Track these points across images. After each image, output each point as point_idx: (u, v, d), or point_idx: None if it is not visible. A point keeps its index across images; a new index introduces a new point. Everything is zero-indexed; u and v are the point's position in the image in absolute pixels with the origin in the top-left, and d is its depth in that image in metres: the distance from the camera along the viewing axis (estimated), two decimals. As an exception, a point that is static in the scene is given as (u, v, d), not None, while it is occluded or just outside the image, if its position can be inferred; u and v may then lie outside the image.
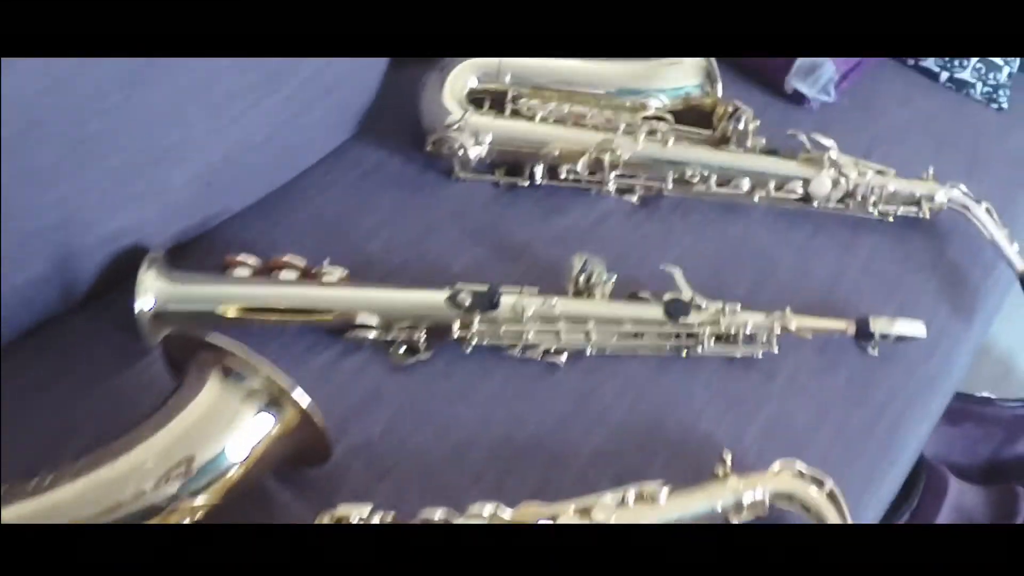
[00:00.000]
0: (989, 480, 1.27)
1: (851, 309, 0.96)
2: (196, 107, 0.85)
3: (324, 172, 1.03)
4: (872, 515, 0.91)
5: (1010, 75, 1.27)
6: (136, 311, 0.83)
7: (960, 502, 1.22)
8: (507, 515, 0.73)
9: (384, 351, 0.89)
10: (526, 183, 1.04)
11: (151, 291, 0.84)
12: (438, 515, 0.73)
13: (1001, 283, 1.07)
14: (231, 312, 0.86)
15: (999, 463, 1.32)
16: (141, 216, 0.87)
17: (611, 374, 0.90)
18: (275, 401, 0.74)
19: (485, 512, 0.73)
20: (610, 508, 0.75)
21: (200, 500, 0.71)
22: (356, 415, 0.85)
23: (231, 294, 0.87)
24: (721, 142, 1.05)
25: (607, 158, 1.01)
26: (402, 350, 0.89)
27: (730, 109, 1.05)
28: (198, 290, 0.87)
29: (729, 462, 0.78)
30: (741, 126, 1.04)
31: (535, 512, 0.74)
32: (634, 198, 1.04)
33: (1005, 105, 1.27)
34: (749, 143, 1.05)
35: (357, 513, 0.72)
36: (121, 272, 0.86)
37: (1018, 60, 1.28)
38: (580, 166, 1.01)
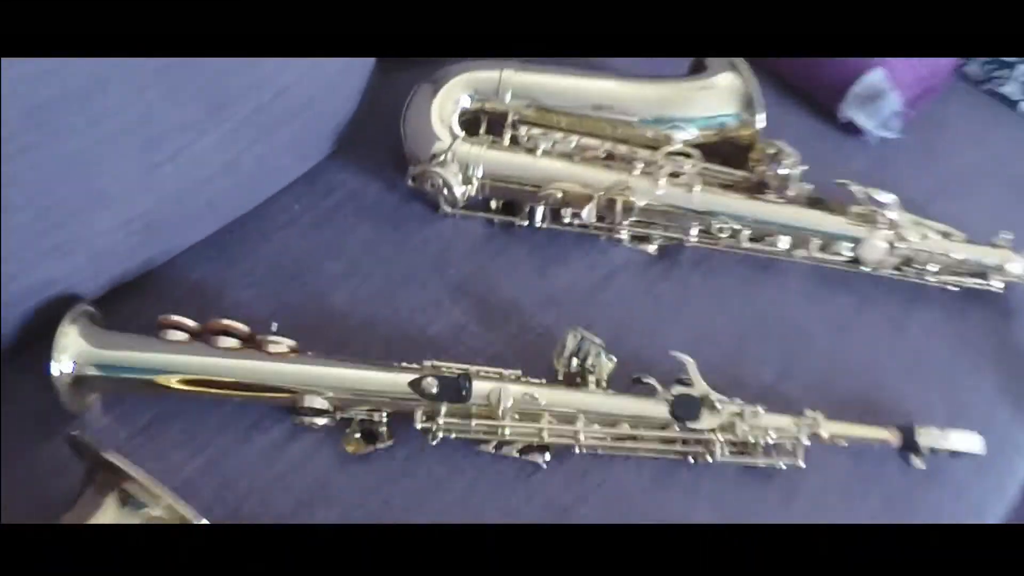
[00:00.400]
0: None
1: (896, 406, 0.82)
2: (123, 148, 0.71)
3: (291, 200, 0.88)
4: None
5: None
6: (53, 374, 0.71)
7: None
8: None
9: (339, 433, 0.76)
10: (524, 222, 0.88)
11: (70, 353, 0.72)
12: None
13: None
14: (160, 381, 0.74)
15: None
16: (69, 265, 0.75)
17: (600, 481, 0.77)
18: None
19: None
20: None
21: None
22: (297, 513, 0.73)
23: (160, 362, 0.74)
24: (757, 189, 0.89)
25: (619, 203, 0.85)
26: (357, 435, 0.76)
27: (771, 151, 0.88)
28: (124, 355, 0.74)
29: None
30: (783, 171, 0.87)
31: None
32: (651, 248, 0.89)
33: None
34: (791, 191, 0.88)
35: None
36: (52, 324, 0.73)
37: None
38: (585, 214, 0.85)
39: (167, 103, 0.71)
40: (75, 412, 0.74)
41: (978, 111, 1.10)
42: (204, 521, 0.62)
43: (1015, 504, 0.88)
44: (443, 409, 0.74)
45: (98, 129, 0.68)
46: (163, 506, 0.61)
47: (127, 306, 0.80)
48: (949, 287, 0.90)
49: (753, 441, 0.76)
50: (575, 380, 0.78)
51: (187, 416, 0.75)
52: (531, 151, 0.87)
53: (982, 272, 0.89)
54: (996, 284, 0.89)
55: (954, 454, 0.79)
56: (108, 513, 0.62)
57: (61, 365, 0.71)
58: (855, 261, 0.88)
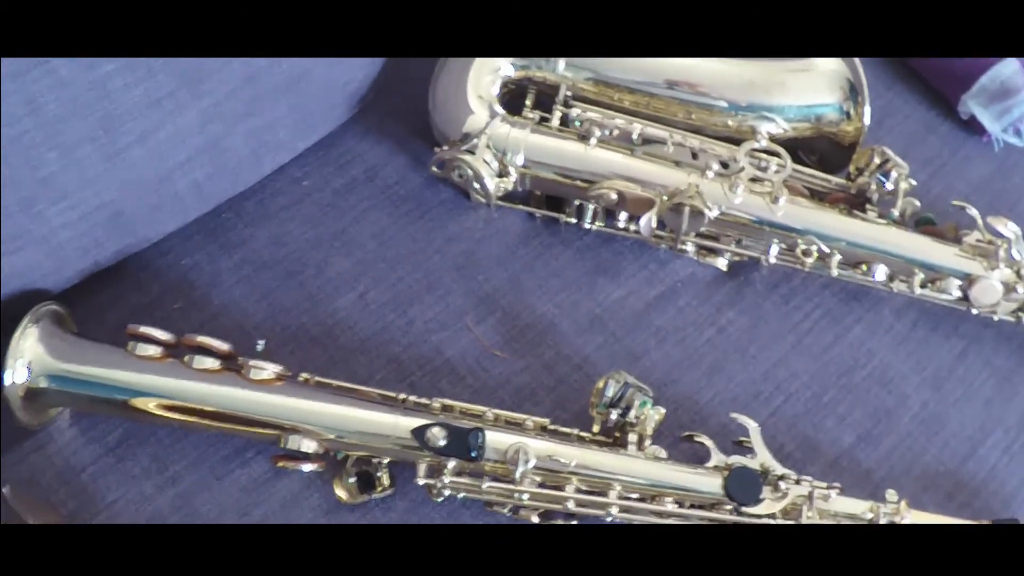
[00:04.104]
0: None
1: (997, 487, 0.70)
2: (73, 132, 0.57)
3: (297, 177, 0.75)
4: None
5: None
6: (6, 384, 0.61)
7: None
8: None
9: (331, 473, 0.64)
10: (572, 220, 0.74)
11: (26, 361, 0.62)
12: None
13: None
14: (125, 402, 0.63)
15: None
16: (23, 260, 0.63)
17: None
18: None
19: None
20: None
21: None
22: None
23: (126, 380, 0.63)
24: (856, 203, 0.74)
25: (687, 210, 0.70)
26: (352, 479, 0.64)
27: (877, 159, 0.73)
28: (86, 370, 0.63)
29: None
30: (889, 185, 0.72)
31: None
32: (721, 263, 0.74)
33: None
34: (895, 210, 0.73)
35: None
36: (14, 320, 0.62)
37: None
38: (644, 223, 0.71)
39: (128, 76, 0.57)
40: (32, 426, 0.64)
41: None
42: None
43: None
44: (451, 464, 0.62)
45: (41, 112, 0.55)
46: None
47: (101, 298, 0.69)
48: (1074, 339, 0.75)
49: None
50: (613, 434, 0.65)
51: (161, 439, 0.65)
52: (584, 138, 0.72)
53: (1116, 324, 0.74)
54: None
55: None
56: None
57: (15, 375, 0.61)
58: (964, 300, 0.73)
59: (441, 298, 0.71)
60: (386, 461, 0.64)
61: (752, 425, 0.64)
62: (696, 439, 0.65)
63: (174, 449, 0.65)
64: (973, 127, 0.84)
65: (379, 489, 0.64)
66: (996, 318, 0.73)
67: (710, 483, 0.63)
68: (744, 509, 0.62)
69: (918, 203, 0.74)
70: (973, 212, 0.72)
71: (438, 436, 0.61)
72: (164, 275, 0.71)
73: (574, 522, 0.64)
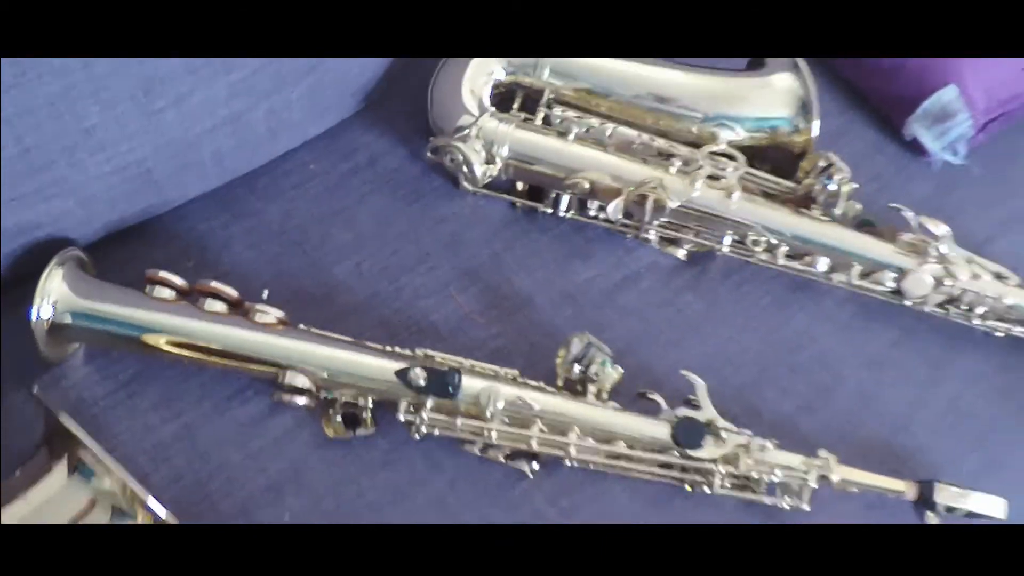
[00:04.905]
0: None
1: (922, 457, 0.77)
2: (118, 89, 0.66)
3: (306, 160, 0.84)
4: None
5: None
6: (33, 319, 0.68)
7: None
8: None
9: (320, 413, 0.71)
10: (548, 210, 0.83)
11: (53, 299, 0.69)
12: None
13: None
14: (141, 338, 0.70)
15: None
16: (57, 208, 0.71)
17: (590, 498, 0.72)
18: (126, 509, 0.58)
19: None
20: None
21: None
22: (268, 495, 0.70)
23: (143, 318, 0.70)
24: (802, 202, 0.82)
25: (650, 200, 0.79)
26: (339, 418, 0.71)
27: (822, 163, 0.81)
28: (107, 308, 0.70)
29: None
30: (832, 187, 0.81)
31: None
32: (680, 253, 0.83)
33: None
34: (838, 209, 0.81)
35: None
36: (39, 267, 0.69)
37: None
38: (612, 208, 0.79)
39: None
40: (54, 360, 0.71)
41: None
42: (152, 499, 0.59)
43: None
44: (429, 403, 0.69)
45: (92, 67, 0.63)
46: (114, 479, 0.58)
47: (122, 253, 0.77)
48: (997, 333, 0.82)
49: (757, 477, 0.70)
50: (575, 388, 0.72)
51: (169, 378, 0.72)
52: (562, 135, 0.81)
53: (1036, 320, 0.82)
54: (1049, 335, 0.82)
55: (971, 515, 0.72)
56: (55, 478, 0.59)
57: (42, 311, 0.69)
58: (897, 293, 0.81)
59: (429, 270, 0.79)
60: (371, 404, 0.71)
61: (699, 382, 0.71)
62: (649, 396, 0.73)
63: (180, 387, 0.72)
64: (916, 148, 0.92)
65: (363, 427, 0.71)
66: (927, 310, 0.81)
67: (659, 430, 0.71)
68: (688, 452, 0.70)
69: (859, 206, 0.82)
70: (908, 213, 0.81)
71: (419, 376, 0.69)
72: (180, 237, 0.79)
73: (536, 466, 0.71)
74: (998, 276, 0.81)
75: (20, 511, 0.58)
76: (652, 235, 0.82)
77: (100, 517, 0.58)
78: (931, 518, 0.73)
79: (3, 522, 0.57)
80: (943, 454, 0.77)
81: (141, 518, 0.59)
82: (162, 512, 0.58)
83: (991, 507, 0.72)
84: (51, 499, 0.59)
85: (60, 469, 0.59)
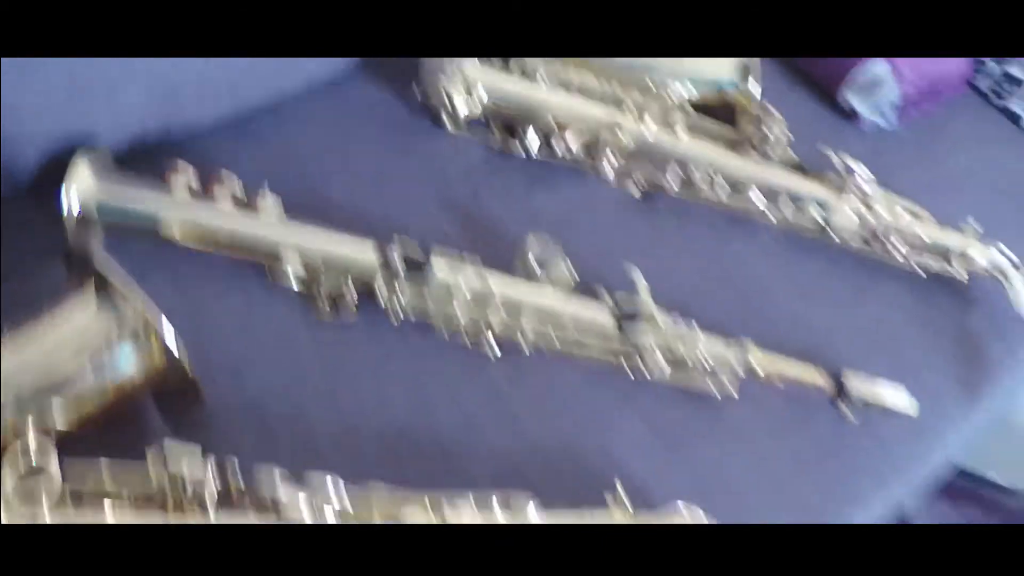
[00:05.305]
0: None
1: (842, 365, 0.85)
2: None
3: (309, 101, 0.95)
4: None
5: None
6: (63, 206, 0.78)
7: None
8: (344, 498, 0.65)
9: (311, 302, 0.82)
10: (521, 151, 0.94)
11: (80, 188, 0.79)
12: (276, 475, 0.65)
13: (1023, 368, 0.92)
14: (158, 226, 0.80)
15: None
16: (90, 120, 0.82)
17: (543, 378, 0.81)
18: (143, 336, 0.69)
19: (325, 483, 0.65)
20: (470, 512, 0.67)
21: (58, 417, 0.67)
22: (260, 363, 0.79)
23: (160, 208, 0.80)
24: (742, 147, 0.94)
25: (608, 140, 0.90)
26: (327, 303, 0.82)
27: (759, 112, 0.93)
28: (129, 197, 0.80)
29: (623, 495, 0.69)
30: (768, 133, 0.92)
31: (379, 499, 0.66)
32: (634, 189, 0.94)
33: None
34: (774, 154, 0.93)
35: (186, 456, 0.65)
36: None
37: None
38: (574, 141, 0.91)
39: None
40: (78, 247, 0.81)
41: (983, 122, 1.14)
42: (169, 330, 0.68)
43: (941, 476, 0.91)
44: (402, 280, 0.79)
45: None
46: (137, 312, 0.68)
47: (139, 166, 0.87)
48: (916, 269, 0.93)
49: (690, 363, 0.80)
50: (532, 282, 0.83)
51: (177, 265, 0.81)
52: (533, 81, 0.93)
53: (946, 256, 0.92)
54: (960, 272, 0.92)
55: (885, 411, 0.82)
56: (87, 303, 0.69)
57: (70, 200, 0.78)
58: (825, 229, 0.92)
59: (412, 193, 0.90)
60: (355, 292, 0.82)
61: (638, 274, 0.82)
62: (598, 293, 0.83)
63: (188, 272, 0.81)
64: (850, 116, 1.04)
65: (347, 311, 0.82)
66: (851, 243, 0.92)
67: (604, 317, 0.81)
68: (629, 336, 0.80)
69: (794, 155, 0.94)
70: (835, 157, 0.92)
71: (398, 259, 0.80)
72: (191, 156, 0.87)
73: (497, 349, 0.81)
74: (914, 215, 0.92)
75: (60, 332, 0.68)
76: (610, 172, 0.93)
77: (121, 340, 0.68)
78: (848, 414, 0.82)
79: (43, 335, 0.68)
80: (861, 365, 0.86)
81: (155, 346, 0.69)
82: (172, 342, 0.69)
83: (901, 403, 0.82)
84: (85, 320, 0.68)
85: (91, 300, 0.69)
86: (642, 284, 0.81)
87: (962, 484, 1.19)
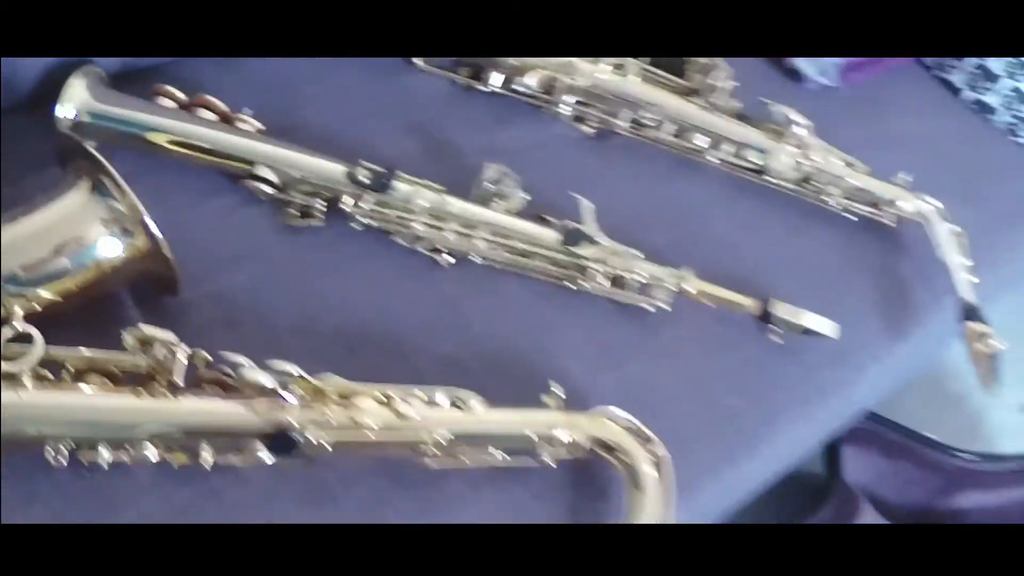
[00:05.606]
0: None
1: (772, 295, 0.90)
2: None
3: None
4: (715, 505, 0.88)
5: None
6: (58, 116, 0.85)
7: (871, 535, 1.15)
8: (304, 383, 0.72)
9: (281, 210, 0.88)
10: (484, 88, 1.01)
11: (74, 99, 0.85)
12: (240, 359, 0.72)
13: (947, 314, 0.98)
14: (145, 137, 0.87)
15: (931, 512, 1.23)
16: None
17: (491, 288, 0.88)
18: (130, 225, 0.76)
19: (286, 369, 0.72)
20: (418, 403, 0.73)
21: (45, 293, 0.73)
22: (231, 263, 0.85)
23: (148, 121, 0.87)
24: (690, 94, 1.01)
25: (563, 80, 0.98)
26: (296, 211, 0.88)
27: (707, 63, 1.00)
28: (119, 111, 0.87)
29: (562, 395, 0.76)
30: (714, 81, 0.99)
31: (334, 386, 0.73)
32: (588, 128, 1.01)
33: (1028, 140, 1.19)
34: (720, 102, 1.00)
35: (162, 339, 0.72)
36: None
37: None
38: (531, 80, 0.98)
39: None
40: (73, 146, 0.87)
41: (924, 91, 1.22)
42: (152, 222, 0.75)
43: (863, 405, 0.98)
44: (367, 196, 0.86)
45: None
46: (127, 204, 0.75)
47: (133, 86, 0.94)
48: (847, 215, 1.00)
49: (628, 278, 0.87)
50: (486, 203, 0.90)
51: (161, 174, 0.87)
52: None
53: (876, 204, 0.99)
54: (888, 218, 1.00)
55: (807, 332, 0.89)
56: (80, 194, 0.75)
57: (65, 110, 0.85)
58: (763, 171, 0.99)
59: (381, 120, 0.97)
60: (322, 204, 0.88)
61: (587, 204, 0.89)
62: (545, 218, 0.90)
63: (170, 181, 0.87)
64: (795, 76, 1.12)
65: (315, 219, 0.88)
66: (787, 186, 0.99)
67: (551, 235, 0.88)
68: (572, 249, 0.87)
69: (739, 104, 1.01)
70: (774, 106, 0.99)
71: (362, 173, 0.87)
72: (178, 82, 0.95)
73: (450, 259, 0.88)
74: (848, 164, 0.99)
75: (59, 211, 0.75)
76: (566, 111, 1.00)
77: (108, 225, 0.75)
78: (774, 336, 0.89)
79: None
80: (789, 297, 0.92)
81: (140, 237, 0.75)
82: (156, 231, 0.75)
83: (823, 326, 0.89)
84: (78, 209, 0.75)
85: (84, 187, 0.75)
86: (587, 206, 0.88)
87: (900, 440, 1.25)
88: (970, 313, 0.94)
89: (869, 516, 1.14)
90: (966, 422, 1.45)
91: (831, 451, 1.19)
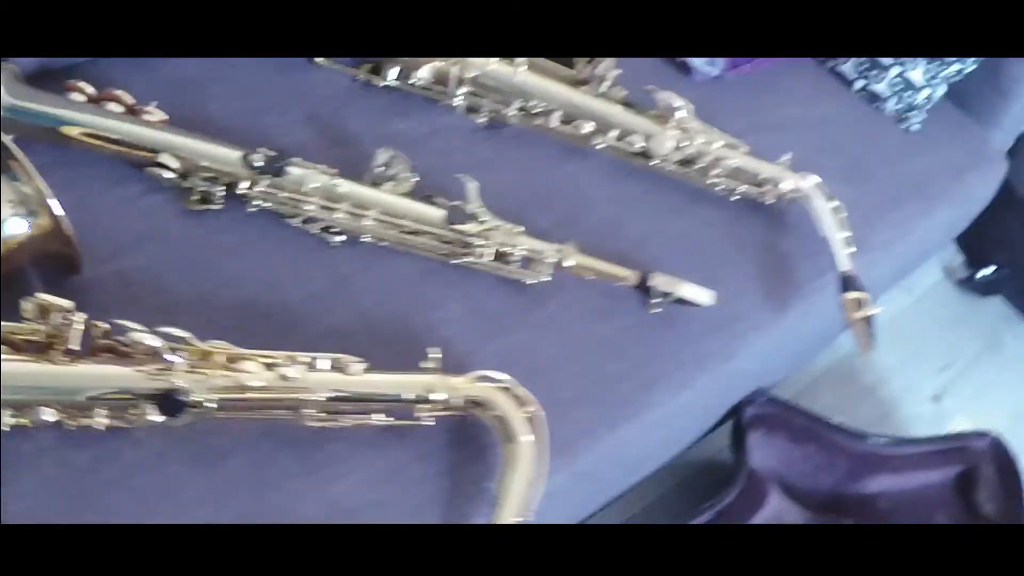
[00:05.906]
0: (823, 512, 1.22)
1: (654, 269, 0.96)
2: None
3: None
4: (596, 469, 0.91)
5: (928, 99, 1.24)
6: None
7: (779, 519, 1.18)
8: (192, 347, 0.77)
9: (182, 196, 0.93)
10: (382, 83, 1.07)
11: None
12: (133, 325, 0.76)
13: (828, 289, 1.03)
14: (57, 129, 0.92)
15: (839, 497, 1.25)
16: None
17: (378, 265, 0.93)
18: (36, 207, 0.81)
19: (175, 333, 0.76)
20: (301, 367, 0.78)
21: None
22: (134, 245, 0.90)
23: (61, 114, 0.92)
24: (578, 83, 1.06)
25: (455, 72, 1.03)
26: (197, 198, 0.93)
27: (591, 60, 1.06)
28: (32, 106, 0.92)
29: (439, 358, 0.81)
30: (598, 71, 1.05)
31: (221, 350, 0.78)
32: (481, 119, 1.06)
33: (916, 128, 1.25)
34: (605, 89, 1.05)
35: (59, 306, 0.76)
36: None
37: (942, 87, 1.25)
38: (423, 71, 1.03)
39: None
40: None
41: (815, 81, 1.28)
42: (56, 202, 0.80)
43: (746, 375, 1.03)
44: (261, 180, 0.91)
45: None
46: (33, 187, 0.80)
47: (46, 82, 0.98)
48: (730, 196, 1.06)
49: (510, 253, 0.92)
50: (377, 186, 0.95)
51: (72, 166, 0.92)
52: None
53: (759, 184, 1.05)
54: (770, 197, 1.05)
55: (682, 301, 0.94)
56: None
57: None
58: (647, 154, 1.04)
59: (283, 112, 1.02)
60: (222, 190, 0.93)
61: (471, 181, 0.94)
62: (433, 199, 0.95)
63: (81, 171, 0.92)
64: (686, 69, 1.18)
65: (214, 204, 0.93)
66: (669, 168, 1.05)
67: (437, 214, 0.93)
68: (457, 226, 0.92)
69: (625, 92, 1.07)
70: (658, 92, 1.05)
71: (258, 159, 0.92)
72: (93, 78, 0.98)
73: (342, 238, 0.93)
74: (730, 146, 1.05)
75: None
76: (458, 102, 1.06)
77: (15, 207, 0.80)
78: (653, 307, 0.94)
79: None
80: (672, 272, 0.96)
81: (45, 217, 0.80)
82: (59, 212, 0.80)
83: (700, 296, 0.94)
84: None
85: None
86: (472, 186, 0.93)
87: (806, 425, 1.28)
88: (848, 283, 1.00)
89: (776, 501, 1.18)
90: (879, 412, 1.50)
91: (737, 437, 1.22)
